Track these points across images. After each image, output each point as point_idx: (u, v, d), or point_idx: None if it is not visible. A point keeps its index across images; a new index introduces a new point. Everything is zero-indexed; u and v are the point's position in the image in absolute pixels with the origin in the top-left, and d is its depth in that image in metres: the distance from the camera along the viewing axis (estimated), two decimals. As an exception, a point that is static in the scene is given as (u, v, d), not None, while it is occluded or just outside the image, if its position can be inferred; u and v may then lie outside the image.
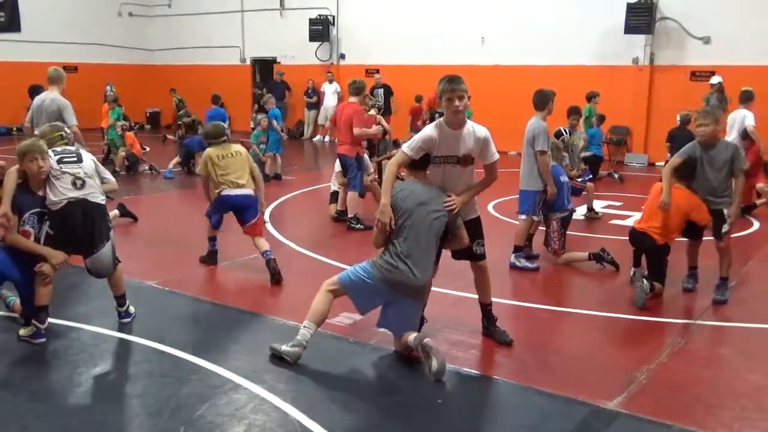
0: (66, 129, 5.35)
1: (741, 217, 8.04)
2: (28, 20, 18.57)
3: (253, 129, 12.36)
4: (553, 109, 6.51)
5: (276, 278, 5.88)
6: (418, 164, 4.30)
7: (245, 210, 6.19)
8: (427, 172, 4.36)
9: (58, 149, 4.72)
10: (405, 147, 4.28)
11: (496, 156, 4.41)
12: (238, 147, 6.40)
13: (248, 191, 6.20)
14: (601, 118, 12.27)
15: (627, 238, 5.96)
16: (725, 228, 5.54)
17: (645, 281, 5.43)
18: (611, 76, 14.46)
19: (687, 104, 12.59)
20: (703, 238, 5.85)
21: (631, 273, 6.02)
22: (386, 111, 17.01)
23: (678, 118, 10.88)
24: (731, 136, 9.04)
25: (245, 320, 5.17)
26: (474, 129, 4.31)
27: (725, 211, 5.54)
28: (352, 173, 8.08)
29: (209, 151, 6.27)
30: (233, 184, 6.12)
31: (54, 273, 4.49)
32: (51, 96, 7.27)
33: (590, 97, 12.44)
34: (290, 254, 6.70)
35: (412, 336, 4.12)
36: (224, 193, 6.13)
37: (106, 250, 4.63)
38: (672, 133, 10.71)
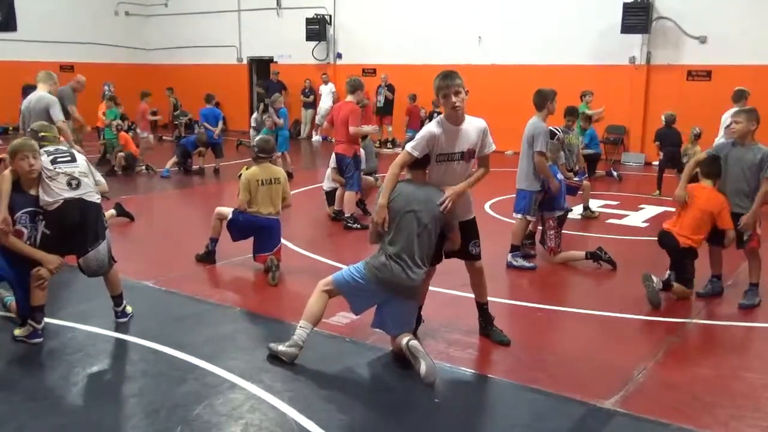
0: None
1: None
2: (24, 19, 18.52)
3: (255, 128, 12.30)
4: (554, 110, 6.51)
5: (273, 275, 5.88)
6: (416, 164, 4.25)
7: (269, 233, 6.10)
8: (427, 171, 4.31)
9: (51, 149, 4.66)
10: (408, 147, 4.22)
11: (494, 146, 4.42)
12: (279, 172, 6.25)
13: (273, 215, 6.13)
14: (587, 117, 12.29)
15: (625, 237, 5.95)
16: (745, 236, 5.43)
17: (655, 279, 5.39)
18: (608, 75, 14.48)
19: (683, 103, 12.67)
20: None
21: (667, 275, 5.68)
22: (388, 111, 17.05)
23: (663, 119, 10.93)
24: (720, 133, 9.03)
25: (242, 319, 5.17)
26: (473, 121, 4.32)
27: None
28: (349, 172, 8.08)
29: (253, 173, 6.06)
30: (256, 212, 6.06)
31: (50, 277, 4.46)
32: (38, 95, 7.22)
33: (582, 96, 12.46)
34: (287, 253, 6.68)
35: (404, 340, 4.11)
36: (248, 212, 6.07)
37: (101, 248, 4.60)
38: (659, 132, 10.73)
